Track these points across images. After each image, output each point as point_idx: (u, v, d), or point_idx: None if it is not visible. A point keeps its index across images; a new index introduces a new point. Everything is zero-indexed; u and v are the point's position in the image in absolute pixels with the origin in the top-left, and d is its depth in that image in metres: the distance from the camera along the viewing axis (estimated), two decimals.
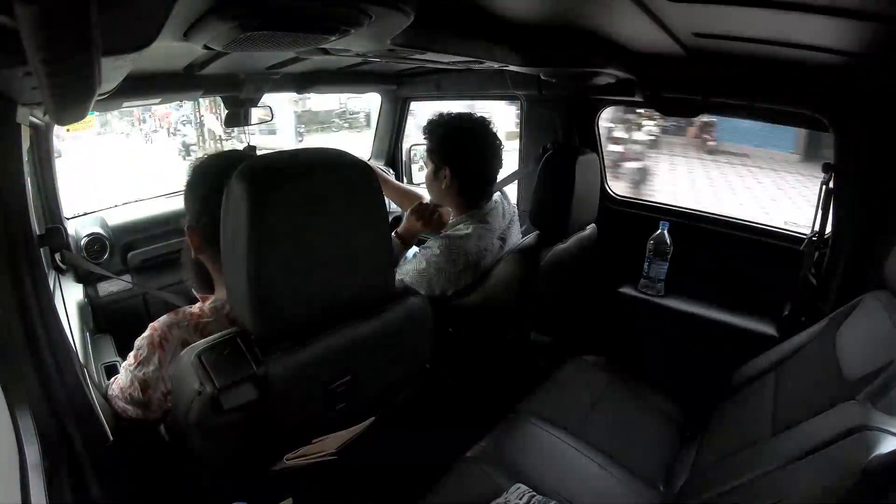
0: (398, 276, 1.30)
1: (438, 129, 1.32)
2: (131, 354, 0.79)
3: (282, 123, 10.67)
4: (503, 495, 1.00)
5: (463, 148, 1.29)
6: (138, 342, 0.79)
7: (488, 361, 1.39)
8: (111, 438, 0.73)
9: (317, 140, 11.80)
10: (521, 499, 0.99)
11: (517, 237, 1.44)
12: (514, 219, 1.45)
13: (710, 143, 8.96)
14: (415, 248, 1.87)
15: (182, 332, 0.76)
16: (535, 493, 0.99)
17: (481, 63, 1.18)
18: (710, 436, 1.13)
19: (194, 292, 0.88)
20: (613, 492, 1.08)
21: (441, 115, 1.34)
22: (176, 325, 0.76)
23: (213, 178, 0.77)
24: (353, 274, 0.69)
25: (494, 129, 1.35)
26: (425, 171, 1.37)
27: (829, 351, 0.99)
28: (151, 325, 0.78)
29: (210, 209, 0.75)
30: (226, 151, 0.89)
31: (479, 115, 1.37)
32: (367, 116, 10.99)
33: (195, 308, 0.80)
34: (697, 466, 1.07)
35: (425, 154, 1.36)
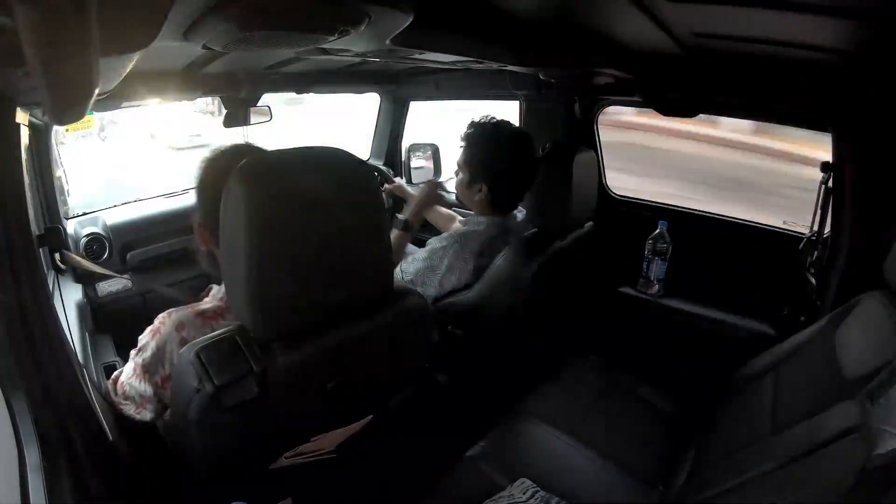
0: (406, 277, 1.30)
1: (479, 144, 1.31)
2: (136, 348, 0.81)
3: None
4: (507, 488, 1.00)
5: (502, 166, 1.29)
6: (141, 336, 0.80)
7: (488, 361, 1.40)
8: (111, 438, 0.73)
9: None
10: (524, 493, 0.99)
11: None
12: None
13: None
14: (413, 248, 1.87)
15: (179, 314, 0.77)
16: (538, 489, 1.00)
17: (481, 63, 1.18)
18: (710, 435, 1.13)
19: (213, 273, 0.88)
20: (613, 491, 1.08)
21: (483, 126, 1.31)
22: (175, 310, 0.78)
23: (222, 174, 0.75)
24: (352, 273, 0.69)
25: (534, 145, 1.36)
26: (459, 175, 1.36)
27: (828, 350, 0.99)
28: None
29: (219, 205, 0.76)
30: (235, 145, 0.89)
31: (520, 128, 1.36)
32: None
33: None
34: (697, 466, 1.07)
35: (460, 158, 1.35)
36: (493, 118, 1.34)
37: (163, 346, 0.76)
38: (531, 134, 1.78)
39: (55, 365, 0.66)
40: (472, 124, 1.34)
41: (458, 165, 1.38)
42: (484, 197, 1.32)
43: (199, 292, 0.88)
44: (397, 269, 1.33)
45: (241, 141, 0.92)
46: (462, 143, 1.35)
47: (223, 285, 0.82)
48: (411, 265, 1.31)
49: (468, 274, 1.28)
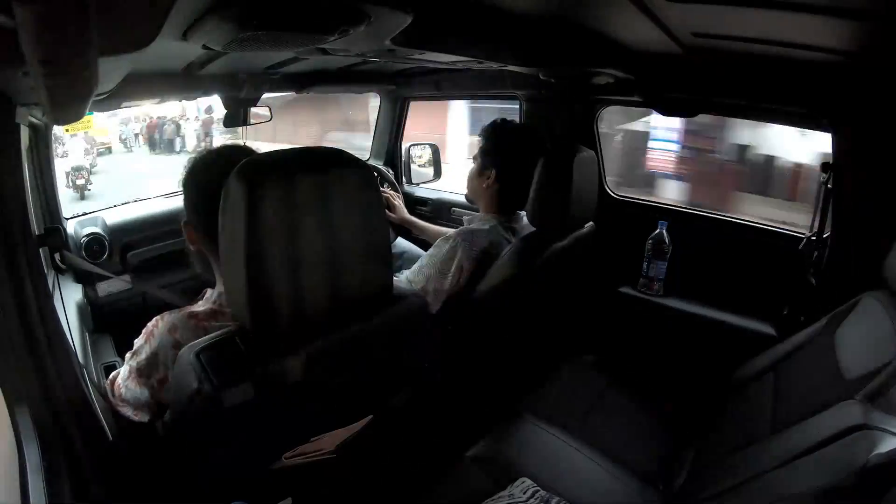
0: (417, 286, 1.29)
1: (495, 132, 1.39)
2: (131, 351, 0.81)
3: None
4: (508, 488, 1.00)
5: (514, 155, 1.35)
6: (137, 339, 0.80)
7: (488, 360, 1.40)
8: (111, 438, 0.73)
9: None
10: (524, 493, 0.98)
11: None
12: None
13: None
14: (413, 247, 1.87)
15: (171, 317, 0.77)
16: (538, 489, 0.99)
17: (481, 63, 1.18)
18: (710, 435, 1.13)
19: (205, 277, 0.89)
20: (613, 491, 1.08)
21: (504, 121, 1.41)
22: (168, 313, 0.78)
23: (206, 173, 0.80)
24: (352, 273, 0.69)
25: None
26: (472, 166, 1.44)
27: (827, 350, 0.99)
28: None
29: (203, 203, 0.78)
30: (222, 147, 0.90)
31: (538, 131, 1.44)
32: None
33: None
34: (697, 466, 1.07)
35: (477, 151, 1.43)
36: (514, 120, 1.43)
37: (157, 350, 0.76)
38: None
39: (55, 365, 0.66)
40: (494, 121, 1.42)
41: (474, 158, 1.43)
42: (492, 185, 1.36)
43: (197, 293, 0.88)
44: (404, 279, 1.33)
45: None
46: (480, 136, 1.41)
47: (216, 288, 0.82)
48: (419, 274, 1.30)
49: (468, 272, 1.28)
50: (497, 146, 1.36)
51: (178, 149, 9.39)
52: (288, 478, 0.81)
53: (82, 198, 6.93)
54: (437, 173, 2.17)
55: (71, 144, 7.64)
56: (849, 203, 1.24)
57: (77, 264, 1.39)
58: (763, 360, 1.20)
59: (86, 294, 1.46)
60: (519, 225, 1.39)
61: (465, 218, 1.44)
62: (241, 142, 1.27)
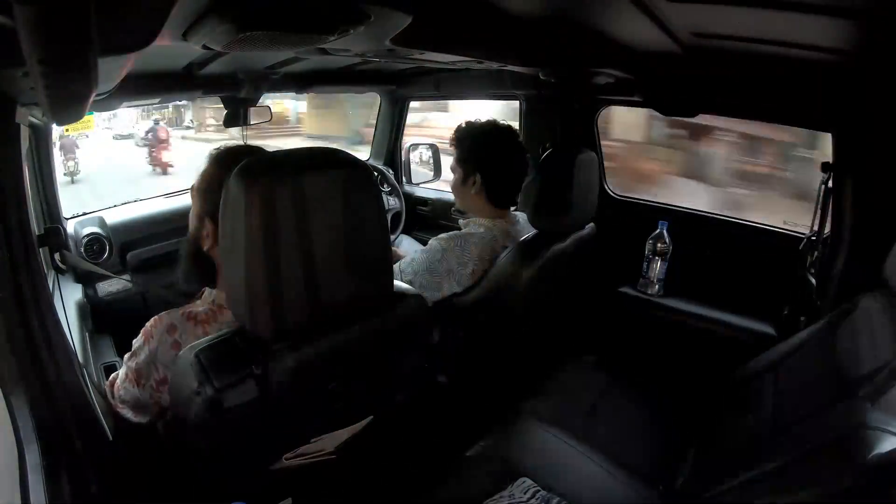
0: (406, 277, 1.29)
1: (468, 138, 1.35)
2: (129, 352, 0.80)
3: None
4: (508, 488, 1.00)
5: (493, 155, 1.32)
6: (135, 340, 0.80)
7: (488, 361, 1.40)
8: (111, 438, 0.73)
9: None
10: (525, 493, 0.99)
11: None
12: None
13: None
14: (416, 246, 1.86)
15: (170, 318, 0.77)
16: (539, 488, 0.99)
17: (481, 63, 1.18)
18: (710, 435, 1.13)
19: (186, 288, 0.88)
20: (613, 491, 1.08)
21: (470, 124, 1.37)
22: (166, 314, 0.78)
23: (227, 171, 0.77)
24: (352, 273, 0.69)
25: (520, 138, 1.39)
26: (452, 177, 1.40)
27: (828, 350, 0.99)
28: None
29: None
30: (245, 145, 0.89)
31: (505, 123, 1.39)
32: None
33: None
34: (697, 466, 1.07)
35: (453, 159, 1.39)
36: (479, 119, 1.38)
37: (155, 350, 0.75)
38: (531, 134, 1.80)
39: (55, 365, 0.66)
40: (460, 126, 1.38)
41: (452, 168, 1.40)
42: (479, 190, 1.33)
43: (195, 293, 0.88)
44: (396, 268, 1.32)
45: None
46: (453, 145, 1.38)
47: (216, 289, 0.82)
48: (409, 266, 1.31)
49: (467, 278, 1.27)
50: (473, 150, 1.34)
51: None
52: (288, 478, 0.81)
53: None
54: (437, 173, 2.17)
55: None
56: (849, 203, 1.24)
57: (77, 264, 1.39)
58: (763, 360, 1.20)
59: (86, 294, 1.46)
60: (515, 228, 1.38)
61: (461, 221, 1.43)
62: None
